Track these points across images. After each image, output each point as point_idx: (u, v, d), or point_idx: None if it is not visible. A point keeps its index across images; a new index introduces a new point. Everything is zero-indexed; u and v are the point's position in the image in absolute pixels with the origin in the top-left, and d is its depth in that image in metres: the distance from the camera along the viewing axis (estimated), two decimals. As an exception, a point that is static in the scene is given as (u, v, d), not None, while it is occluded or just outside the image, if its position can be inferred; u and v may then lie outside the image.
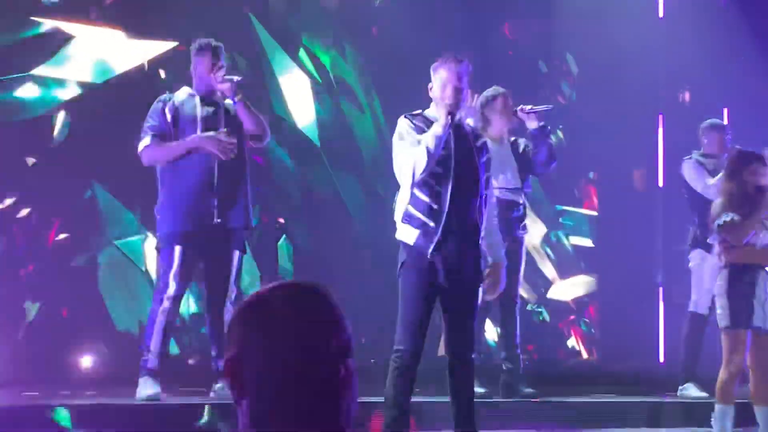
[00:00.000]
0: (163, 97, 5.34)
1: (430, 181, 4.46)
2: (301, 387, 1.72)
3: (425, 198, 4.46)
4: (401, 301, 4.52)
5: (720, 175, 6.48)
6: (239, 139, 5.29)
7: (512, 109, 6.00)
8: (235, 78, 5.29)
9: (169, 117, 5.22)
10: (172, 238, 5.13)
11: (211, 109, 5.27)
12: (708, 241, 5.83)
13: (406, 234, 4.50)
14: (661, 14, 9.34)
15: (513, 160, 6.06)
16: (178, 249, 5.11)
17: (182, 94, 5.35)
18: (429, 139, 4.39)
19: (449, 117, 4.41)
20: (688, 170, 6.88)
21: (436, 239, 4.42)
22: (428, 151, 4.36)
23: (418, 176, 4.40)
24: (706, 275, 6.61)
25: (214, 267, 5.23)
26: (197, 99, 5.28)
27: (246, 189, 5.28)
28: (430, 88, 4.59)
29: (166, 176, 5.22)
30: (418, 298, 4.47)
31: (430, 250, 4.42)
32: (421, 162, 4.37)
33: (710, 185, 6.63)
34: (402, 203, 4.56)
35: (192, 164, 5.16)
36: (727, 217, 5.26)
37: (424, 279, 4.47)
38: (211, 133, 5.04)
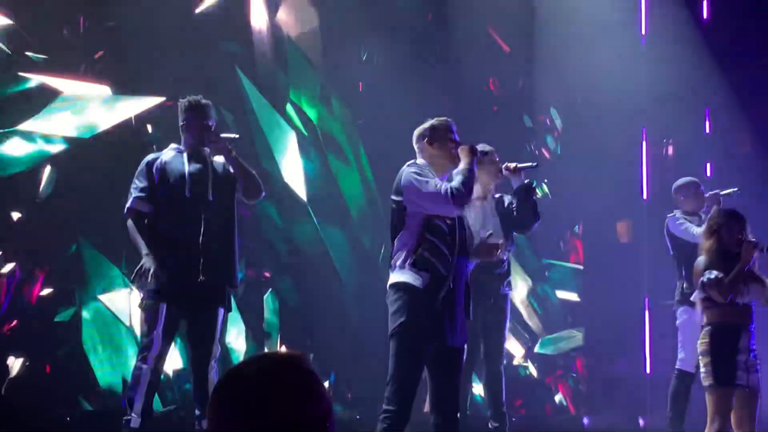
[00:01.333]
0: (149, 157, 5.34)
1: (442, 225, 4.47)
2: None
3: (438, 242, 4.44)
4: (398, 356, 4.40)
5: (702, 228, 6.53)
6: (228, 197, 5.29)
7: (498, 166, 6.02)
8: (233, 135, 5.31)
9: (156, 176, 5.23)
10: (156, 296, 5.11)
11: (199, 166, 5.27)
12: (691, 299, 5.84)
13: (414, 278, 4.41)
14: (644, 68, 9.45)
15: (496, 214, 6.07)
16: (162, 307, 5.08)
17: (170, 151, 5.36)
18: (463, 167, 4.53)
19: (475, 155, 4.58)
20: (674, 224, 6.92)
21: (446, 287, 4.40)
22: (472, 173, 4.51)
23: (464, 194, 4.44)
24: (692, 332, 6.60)
25: (199, 325, 5.20)
26: (185, 156, 5.28)
27: (233, 247, 5.26)
28: (421, 150, 4.66)
29: (152, 233, 5.21)
30: (418, 358, 4.39)
31: (440, 296, 4.38)
32: (472, 182, 4.47)
33: (697, 234, 6.66)
34: (406, 247, 4.47)
35: (178, 222, 5.16)
36: (711, 275, 5.28)
37: (425, 333, 4.39)
38: (153, 268, 5.04)
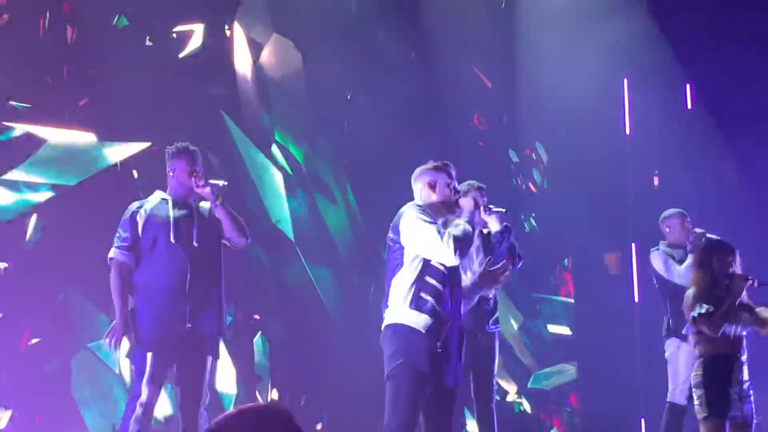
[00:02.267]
0: (133, 205, 5.32)
1: (442, 268, 4.45)
2: None
3: (437, 285, 4.41)
4: (396, 398, 4.36)
5: (688, 261, 6.54)
6: (214, 243, 5.27)
7: (485, 205, 5.98)
8: (221, 183, 5.29)
9: (140, 225, 5.21)
10: (144, 345, 5.08)
11: (184, 212, 5.25)
12: (683, 332, 5.84)
13: (416, 319, 4.37)
14: (626, 105, 9.52)
15: (481, 252, 6.05)
16: (149, 356, 5.05)
17: (155, 198, 5.35)
18: (464, 220, 4.53)
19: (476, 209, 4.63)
20: (656, 260, 6.95)
21: (446, 329, 4.37)
22: (474, 227, 4.52)
23: (466, 246, 4.44)
24: (682, 364, 6.61)
25: (187, 373, 5.16)
26: (170, 203, 5.27)
27: (220, 294, 5.24)
28: (421, 192, 4.65)
29: (139, 282, 5.19)
30: (416, 399, 4.35)
31: (439, 340, 4.36)
32: (472, 237, 4.46)
33: (679, 272, 6.69)
34: (406, 288, 4.42)
35: (164, 269, 5.13)
36: (701, 309, 5.28)
37: (425, 374, 4.37)
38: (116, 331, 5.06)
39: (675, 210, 7.11)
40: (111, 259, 5.21)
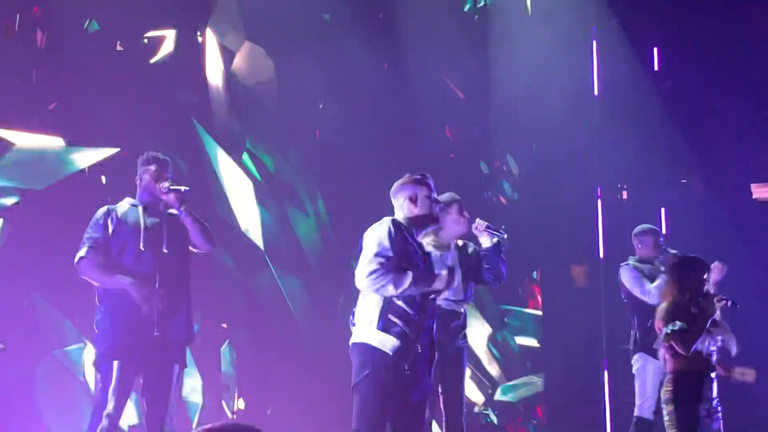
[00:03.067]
0: (103, 209, 5.28)
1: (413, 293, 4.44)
2: None
3: (406, 308, 4.39)
4: (361, 410, 4.36)
5: (658, 282, 6.56)
6: (183, 250, 5.24)
7: (467, 218, 5.97)
8: (182, 188, 5.25)
9: (110, 229, 5.16)
10: (110, 353, 5.03)
11: (154, 220, 5.22)
12: (654, 346, 5.86)
13: (383, 342, 4.36)
14: (597, 118, 9.58)
15: (459, 266, 6.04)
16: (116, 364, 4.99)
17: (124, 205, 5.31)
18: (432, 278, 4.45)
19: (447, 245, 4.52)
20: (626, 276, 6.97)
21: (415, 351, 4.36)
22: (426, 283, 4.41)
23: (398, 294, 4.36)
24: (650, 379, 6.64)
25: (154, 381, 5.12)
26: (140, 209, 5.24)
27: (188, 301, 5.21)
28: (402, 207, 4.61)
29: (105, 290, 5.14)
30: (382, 413, 4.34)
31: (407, 363, 4.34)
32: (415, 288, 4.38)
33: (649, 290, 6.71)
34: (374, 308, 4.42)
35: (132, 276, 5.09)
36: (674, 326, 5.31)
37: (390, 391, 4.36)
38: (145, 291, 4.99)
39: (649, 227, 7.12)
40: (81, 258, 5.12)
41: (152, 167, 5.24)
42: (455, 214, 5.92)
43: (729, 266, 6.69)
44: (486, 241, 5.96)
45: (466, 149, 9.44)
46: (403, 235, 4.46)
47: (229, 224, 7.95)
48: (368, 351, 4.38)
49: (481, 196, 9.38)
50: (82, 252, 5.13)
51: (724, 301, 5.39)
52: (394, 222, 4.52)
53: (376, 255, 4.39)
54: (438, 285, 4.42)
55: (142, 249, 5.10)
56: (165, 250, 5.14)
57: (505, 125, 9.27)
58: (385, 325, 4.36)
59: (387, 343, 4.35)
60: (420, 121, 8.90)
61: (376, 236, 4.45)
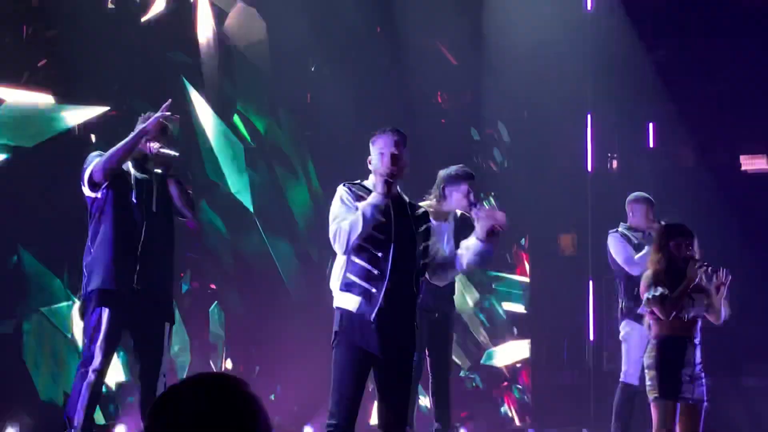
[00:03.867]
0: (96, 152, 5.27)
1: (369, 246, 4.44)
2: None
3: (365, 264, 4.42)
4: (335, 371, 4.44)
5: (645, 251, 6.59)
6: (169, 211, 5.24)
7: (470, 202, 5.90)
8: (172, 153, 5.22)
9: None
10: (98, 298, 5.01)
11: (145, 175, 5.22)
12: (638, 312, 5.90)
13: (347, 301, 4.42)
14: (588, 87, 9.56)
15: (452, 239, 6.02)
16: (105, 314, 4.98)
17: (117, 158, 5.30)
18: (366, 206, 4.40)
19: (386, 185, 4.40)
20: (612, 244, 6.98)
21: (378, 305, 4.38)
22: (364, 217, 4.35)
23: (352, 241, 4.38)
24: (635, 345, 6.68)
25: (145, 340, 5.13)
26: (130, 164, 5.23)
27: (172, 260, 5.22)
28: (369, 161, 4.59)
29: (98, 233, 5.12)
30: (353, 370, 4.40)
31: (372, 316, 4.37)
32: (356, 228, 4.36)
33: (634, 260, 6.71)
34: (339, 271, 4.50)
35: (121, 225, 5.10)
36: (655, 292, 5.35)
37: (359, 348, 4.40)
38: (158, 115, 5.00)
39: (643, 195, 7.05)
40: (95, 165, 5.04)
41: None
42: (464, 191, 5.90)
43: (717, 237, 6.73)
44: (479, 230, 5.92)
45: (458, 116, 9.44)
46: (357, 195, 4.47)
47: (219, 186, 7.95)
48: (337, 312, 4.45)
49: (472, 163, 9.38)
50: (97, 159, 5.07)
51: (704, 267, 5.42)
52: (346, 186, 4.55)
53: (333, 221, 4.45)
54: (361, 222, 4.37)
55: (134, 201, 5.11)
56: (154, 208, 5.14)
57: (496, 93, 9.26)
58: (346, 285, 4.42)
59: (351, 302, 4.40)
60: (412, 86, 8.88)
61: (333, 204, 4.51)
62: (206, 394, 1.75)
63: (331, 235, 4.47)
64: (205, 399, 1.74)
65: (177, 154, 5.26)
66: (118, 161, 5.06)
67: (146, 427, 1.77)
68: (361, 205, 4.40)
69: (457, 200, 5.93)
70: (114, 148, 5.08)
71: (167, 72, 7.71)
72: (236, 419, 1.73)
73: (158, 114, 5.08)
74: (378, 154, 4.47)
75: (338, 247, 4.45)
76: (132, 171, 5.18)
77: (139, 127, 5.11)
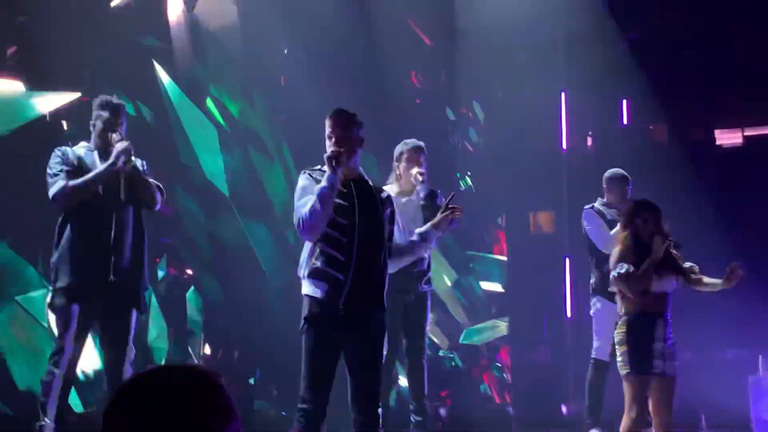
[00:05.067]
0: (61, 147, 5.24)
1: (334, 233, 4.43)
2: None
3: (330, 250, 4.41)
4: (304, 357, 4.45)
5: (615, 229, 6.62)
6: (136, 199, 5.21)
7: (411, 174, 5.95)
8: (126, 145, 5.11)
9: (72, 164, 5.13)
10: (68, 294, 5.01)
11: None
12: (609, 289, 5.93)
13: (315, 289, 4.43)
14: (562, 64, 9.57)
15: (421, 215, 6.04)
16: (74, 308, 4.98)
17: (81, 148, 5.27)
18: (318, 188, 4.40)
19: (330, 165, 4.39)
20: (586, 221, 7.00)
21: (345, 291, 4.38)
22: (319, 198, 4.35)
23: (316, 225, 4.37)
24: (607, 322, 6.70)
25: (111, 328, 5.12)
26: (96, 155, 5.20)
27: (143, 248, 5.20)
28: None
29: (64, 232, 5.11)
30: (321, 354, 4.41)
31: (341, 302, 4.37)
32: (315, 211, 4.34)
33: (606, 237, 6.73)
34: (306, 259, 4.50)
35: (90, 219, 5.07)
36: (621, 269, 5.37)
37: (328, 333, 4.42)
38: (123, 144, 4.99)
39: (620, 172, 7.06)
40: (61, 188, 5.02)
41: (105, 113, 5.18)
42: (415, 163, 5.94)
43: (693, 212, 6.76)
44: (423, 190, 5.94)
45: (433, 95, 9.42)
46: (317, 180, 4.46)
47: (194, 170, 7.92)
48: (306, 299, 4.45)
49: (448, 143, 9.38)
50: (58, 185, 5.04)
51: (669, 242, 5.45)
52: (306, 172, 4.55)
53: (295, 211, 4.46)
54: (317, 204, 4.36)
55: (101, 193, 5.08)
56: (122, 197, 5.11)
57: (471, 72, 9.25)
58: (313, 272, 4.40)
59: (317, 290, 4.39)
60: (387, 67, 8.86)
61: (295, 193, 4.51)
62: (175, 389, 1.70)
63: (295, 225, 4.47)
64: (174, 394, 1.69)
65: (131, 147, 5.16)
66: (80, 196, 5.03)
67: (106, 417, 1.74)
68: (315, 188, 4.41)
69: (411, 173, 5.95)
70: (80, 182, 5.01)
71: (139, 57, 7.66)
72: (207, 418, 1.68)
73: (120, 150, 5.01)
74: (326, 138, 4.52)
75: (303, 234, 4.44)
76: (98, 163, 5.15)
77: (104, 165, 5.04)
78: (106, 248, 5.02)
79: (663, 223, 5.49)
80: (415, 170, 5.97)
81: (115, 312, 5.09)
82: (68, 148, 5.23)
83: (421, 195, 6.06)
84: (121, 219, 5.08)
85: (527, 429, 7.71)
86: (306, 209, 4.39)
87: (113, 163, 5.04)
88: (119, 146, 5.06)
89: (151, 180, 5.23)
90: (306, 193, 4.46)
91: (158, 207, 5.30)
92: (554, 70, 9.36)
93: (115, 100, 5.27)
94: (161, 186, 5.31)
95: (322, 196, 4.38)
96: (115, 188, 5.12)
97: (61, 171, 5.08)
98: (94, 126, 5.24)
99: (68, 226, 5.09)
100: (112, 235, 5.04)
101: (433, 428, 6.25)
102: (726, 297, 8.29)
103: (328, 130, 4.52)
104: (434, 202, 5.94)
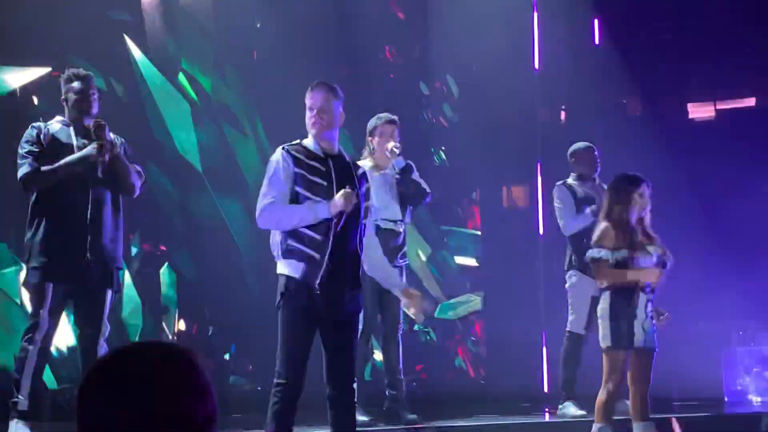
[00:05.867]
0: (36, 124, 5.19)
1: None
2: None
3: (307, 231, 4.39)
4: (281, 333, 4.45)
5: (587, 211, 6.68)
6: (113, 176, 5.16)
7: (384, 149, 5.98)
8: (100, 123, 5.06)
9: (44, 145, 5.08)
10: (42, 273, 4.98)
11: (86, 141, 5.14)
12: (584, 261, 5.98)
13: (291, 268, 4.39)
14: (535, 38, 9.56)
15: (395, 190, 6.05)
16: (48, 286, 4.95)
17: (55, 124, 5.22)
18: (312, 216, 4.34)
19: (339, 212, 4.34)
20: (556, 196, 7.06)
21: (322, 271, 4.36)
22: (288, 222, 4.35)
23: (266, 227, 4.40)
24: (582, 295, 6.77)
25: (86, 305, 5.10)
26: (71, 129, 5.15)
27: (119, 225, 5.16)
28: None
29: (38, 209, 5.07)
30: (298, 330, 4.41)
31: (317, 282, 4.35)
32: (286, 226, 4.35)
33: (570, 222, 6.79)
34: (279, 237, 4.47)
35: (66, 197, 5.02)
36: (597, 254, 5.41)
37: (305, 310, 4.41)
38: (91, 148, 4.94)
39: (584, 143, 7.19)
40: (26, 173, 4.99)
41: (75, 84, 5.13)
42: (386, 136, 5.95)
43: (665, 185, 6.79)
44: (399, 163, 5.98)
45: (406, 70, 9.38)
46: (295, 158, 4.40)
47: (166, 146, 7.86)
48: (281, 278, 4.42)
49: (421, 117, 9.36)
50: (26, 168, 5.01)
51: (660, 272, 5.45)
52: (284, 150, 4.48)
53: (263, 195, 4.41)
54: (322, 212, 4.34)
55: (77, 171, 5.04)
56: (99, 174, 5.07)
57: (445, 46, 9.22)
58: (288, 252, 4.38)
59: (294, 270, 4.37)
60: (360, 41, 8.81)
61: (267, 170, 4.45)
62: (157, 369, 1.67)
63: (257, 209, 4.40)
64: (156, 374, 1.65)
65: (104, 122, 5.11)
66: (49, 182, 4.98)
67: (80, 396, 1.73)
68: (310, 208, 4.32)
69: (387, 147, 5.97)
70: (51, 177, 4.95)
71: (109, 31, 7.57)
72: (182, 396, 1.64)
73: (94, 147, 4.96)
74: (307, 110, 4.48)
75: (260, 226, 4.41)
76: (73, 137, 5.10)
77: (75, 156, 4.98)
78: (82, 226, 4.98)
79: (647, 194, 5.46)
80: (391, 144, 5.98)
81: (90, 290, 5.07)
82: (42, 125, 5.17)
83: (396, 169, 6.07)
84: (98, 196, 5.04)
85: (501, 402, 7.76)
86: (279, 214, 4.34)
87: (86, 157, 4.98)
88: (94, 144, 4.99)
89: (133, 166, 5.18)
90: (278, 184, 4.38)
91: (136, 194, 5.25)
92: (528, 44, 9.35)
93: (82, 72, 5.23)
94: (142, 171, 5.26)
95: (301, 222, 4.33)
96: (93, 164, 5.07)
97: (30, 153, 5.02)
98: (66, 100, 5.19)
99: (42, 203, 5.05)
100: (89, 213, 5.00)
101: (407, 402, 6.28)
102: (697, 269, 8.37)
103: (309, 101, 4.48)
104: (410, 176, 5.95)
